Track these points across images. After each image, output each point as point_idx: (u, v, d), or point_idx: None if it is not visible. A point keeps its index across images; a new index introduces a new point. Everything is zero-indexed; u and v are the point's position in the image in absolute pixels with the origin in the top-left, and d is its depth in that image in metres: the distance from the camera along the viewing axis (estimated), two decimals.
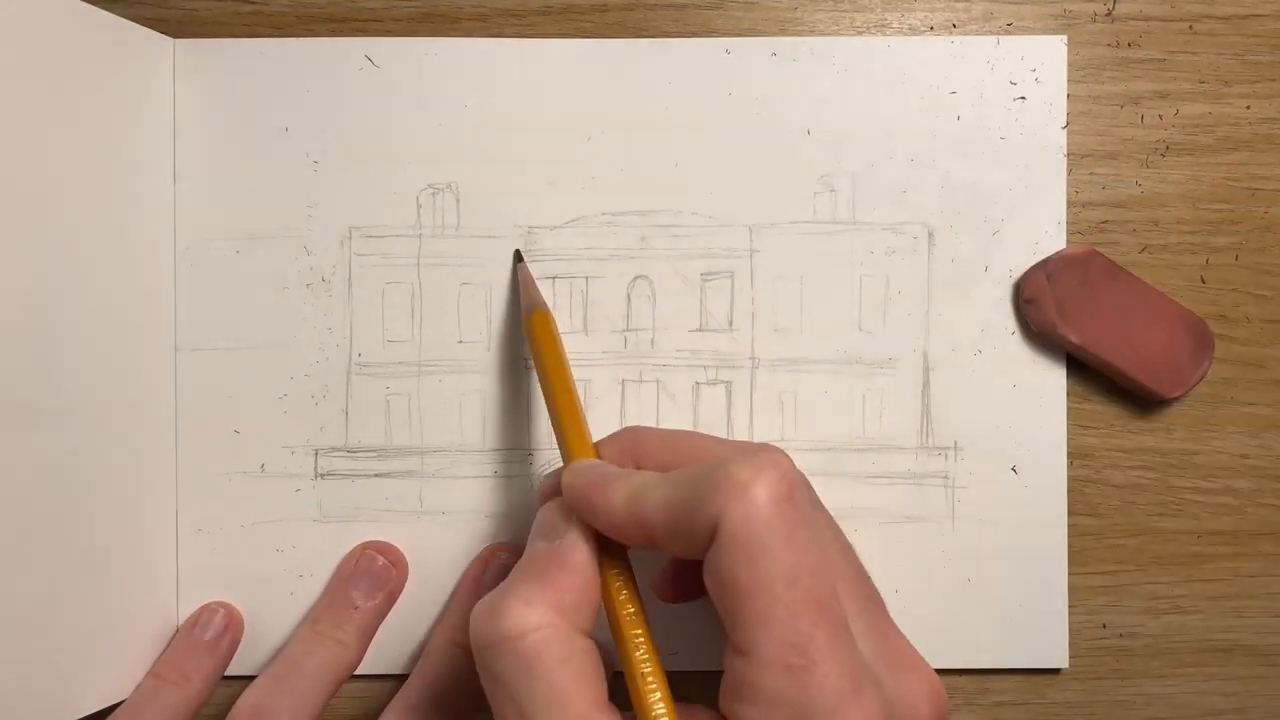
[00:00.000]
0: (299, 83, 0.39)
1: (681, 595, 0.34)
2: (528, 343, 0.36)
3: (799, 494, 0.27)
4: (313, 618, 0.38)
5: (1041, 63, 0.39)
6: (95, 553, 0.35)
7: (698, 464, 0.30)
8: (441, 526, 0.39)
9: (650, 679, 0.28)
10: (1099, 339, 0.38)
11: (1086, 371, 0.39)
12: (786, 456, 0.28)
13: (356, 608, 0.37)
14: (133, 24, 0.37)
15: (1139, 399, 0.39)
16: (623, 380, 0.39)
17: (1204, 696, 0.40)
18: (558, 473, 0.33)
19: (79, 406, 0.34)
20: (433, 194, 0.39)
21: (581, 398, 0.39)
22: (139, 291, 0.37)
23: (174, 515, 0.38)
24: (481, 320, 0.39)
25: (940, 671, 0.39)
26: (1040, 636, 0.39)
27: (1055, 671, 0.39)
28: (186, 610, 0.39)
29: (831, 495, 0.38)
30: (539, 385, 0.36)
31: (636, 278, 0.39)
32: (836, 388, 0.39)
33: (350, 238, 0.39)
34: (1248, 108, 0.39)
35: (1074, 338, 0.38)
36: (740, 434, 0.39)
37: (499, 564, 0.38)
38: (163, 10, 0.39)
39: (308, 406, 0.39)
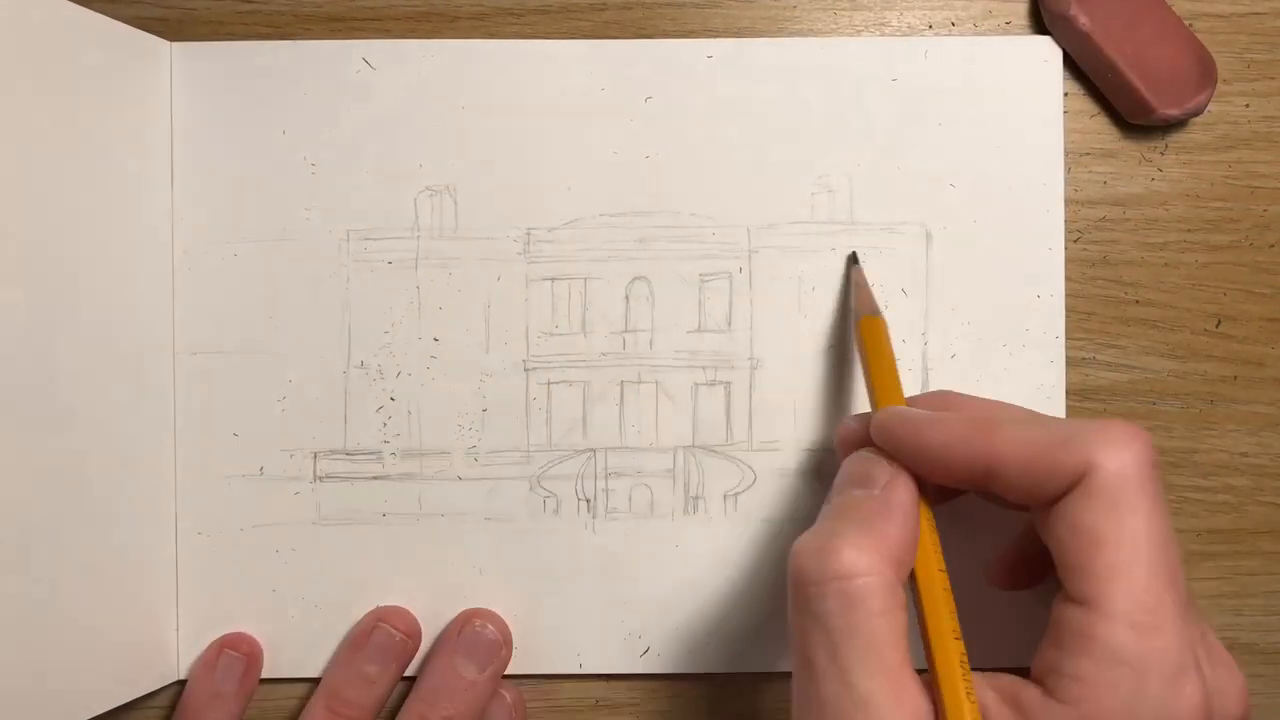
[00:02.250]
0: (296, 85, 0.39)
1: (1018, 583, 0.35)
2: (857, 345, 0.36)
3: (1160, 470, 0.28)
4: (328, 694, 0.37)
5: (1040, 61, 0.39)
6: (94, 555, 0.35)
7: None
8: (440, 529, 0.39)
9: (950, 646, 0.28)
10: (1107, 32, 0.37)
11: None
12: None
13: (372, 683, 0.37)
14: (129, 28, 0.37)
15: (1131, 125, 0.39)
16: (621, 381, 0.39)
17: None
18: (861, 418, 0.33)
19: (78, 410, 0.34)
20: (431, 196, 0.39)
21: (580, 399, 0.39)
22: (137, 295, 0.37)
23: (173, 518, 0.38)
24: (480, 322, 0.39)
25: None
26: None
27: None
28: (186, 613, 0.39)
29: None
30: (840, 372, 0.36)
31: (635, 279, 0.39)
32: (836, 387, 0.39)
33: (348, 240, 0.39)
34: (1247, 106, 0.39)
35: (1083, 21, 0.37)
36: (739, 435, 0.39)
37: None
38: (161, 10, 0.39)
39: (306, 409, 0.39)
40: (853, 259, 0.38)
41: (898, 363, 0.34)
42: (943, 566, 0.30)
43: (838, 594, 0.27)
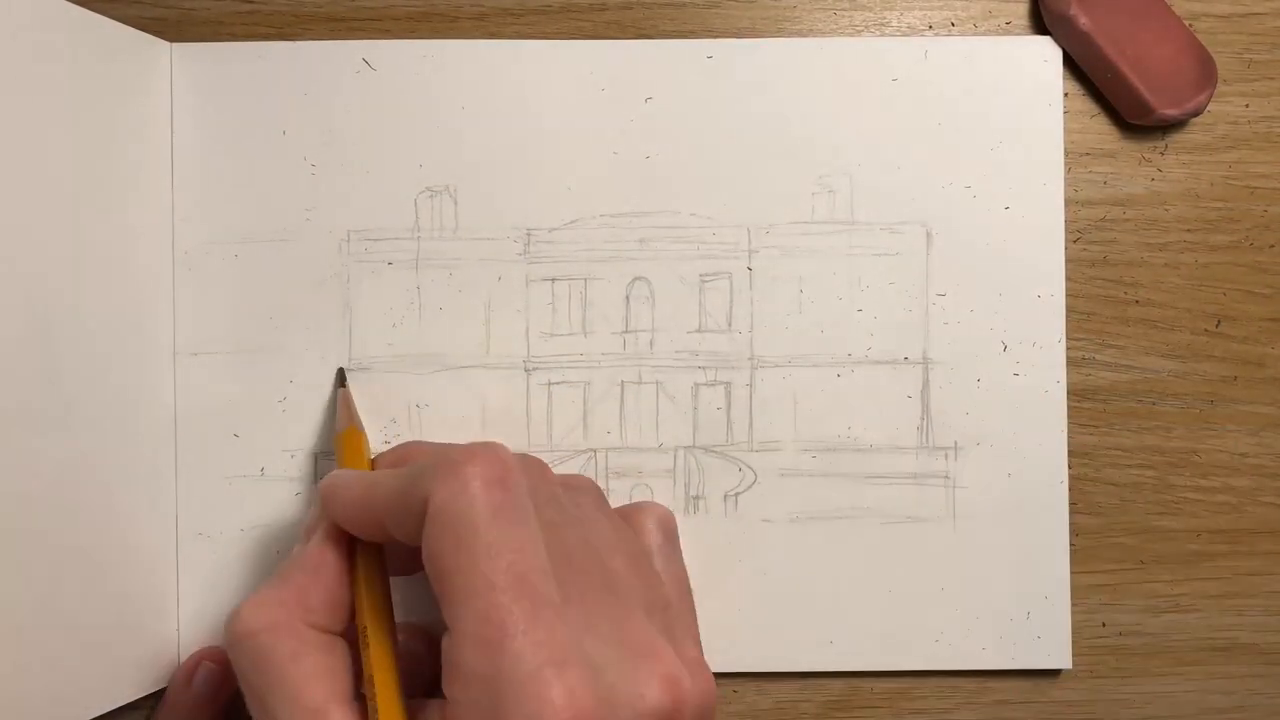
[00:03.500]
0: (296, 86, 0.39)
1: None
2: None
3: (513, 479, 0.28)
4: None
5: (1041, 61, 0.39)
6: (95, 557, 0.35)
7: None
8: None
9: (378, 677, 0.29)
10: (1107, 32, 0.37)
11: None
12: (508, 451, 0.29)
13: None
14: (129, 28, 0.37)
15: (1131, 125, 0.39)
16: (622, 382, 0.39)
17: (1204, 695, 0.40)
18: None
19: (78, 411, 0.34)
20: (431, 196, 0.39)
21: (581, 399, 0.39)
22: (137, 296, 0.37)
23: (174, 518, 0.38)
24: (480, 322, 0.39)
25: (941, 673, 0.39)
26: (1042, 637, 0.39)
27: (1056, 671, 0.39)
28: (187, 614, 0.39)
29: (832, 495, 0.38)
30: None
31: (635, 279, 0.39)
32: (836, 388, 0.39)
33: (348, 240, 0.39)
34: (1247, 106, 0.39)
35: (1084, 21, 0.37)
36: (740, 435, 0.39)
37: (206, 671, 0.38)
38: (161, 10, 0.39)
39: (307, 410, 0.39)
40: (340, 378, 0.39)
41: None
42: (381, 601, 0.31)
43: (246, 653, 0.29)
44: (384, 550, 0.32)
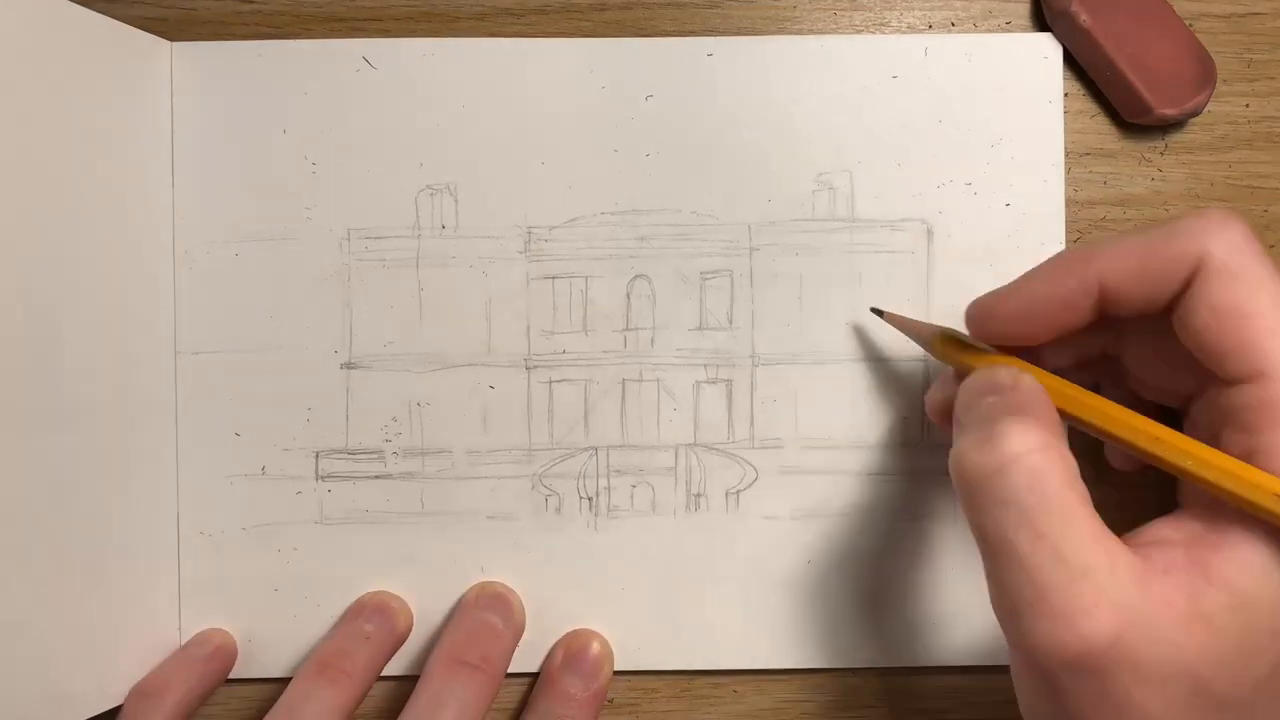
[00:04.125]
0: (296, 84, 0.39)
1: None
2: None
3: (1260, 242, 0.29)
4: (321, 653, 0.36)
5: (1041, 58, 0.39)
6: (96, 556, 0.35)
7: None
8: (443, 528, 0.39)
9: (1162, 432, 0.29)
10: (1108, 30, 0.37)
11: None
12: None
13: (369, 638, 0.37)
14: (129, 27, 0.37)
15: (1130, 125, 0.39)
16: (623, 380, 0.39)
17: None
18: (942, 382, 0.35)
19: (79, 410, 0.34)
20: (431, 195, 0.39)
21: (582, 397, 0.39)
22: (138, 295, 0.37)
23: (175, 518, 0.38)
24: (482, 320, 0.39)
25: (944, 670, 0.39)
26: None
27: None
28: (189, 613, 0.39)
29: (833, 493, 0.39)
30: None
31: (636, 277, 0.39)
32: (837, 385, 0.39)
33: (349, 239, 0.39)
34: (1247, 106, 0.39)
35: (1084, 18, 0.37)
36: (741, 433, 0.39)
37: (493, 591, 0.38)
38: (161, 10, 0.39)
39: (308, 409, 0.39)
40: (877, 312, 0.38)
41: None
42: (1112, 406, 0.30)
43: (1022, 472, 0.27)
44: None
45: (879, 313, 0.38)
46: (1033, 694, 0.28)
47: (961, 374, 0.33)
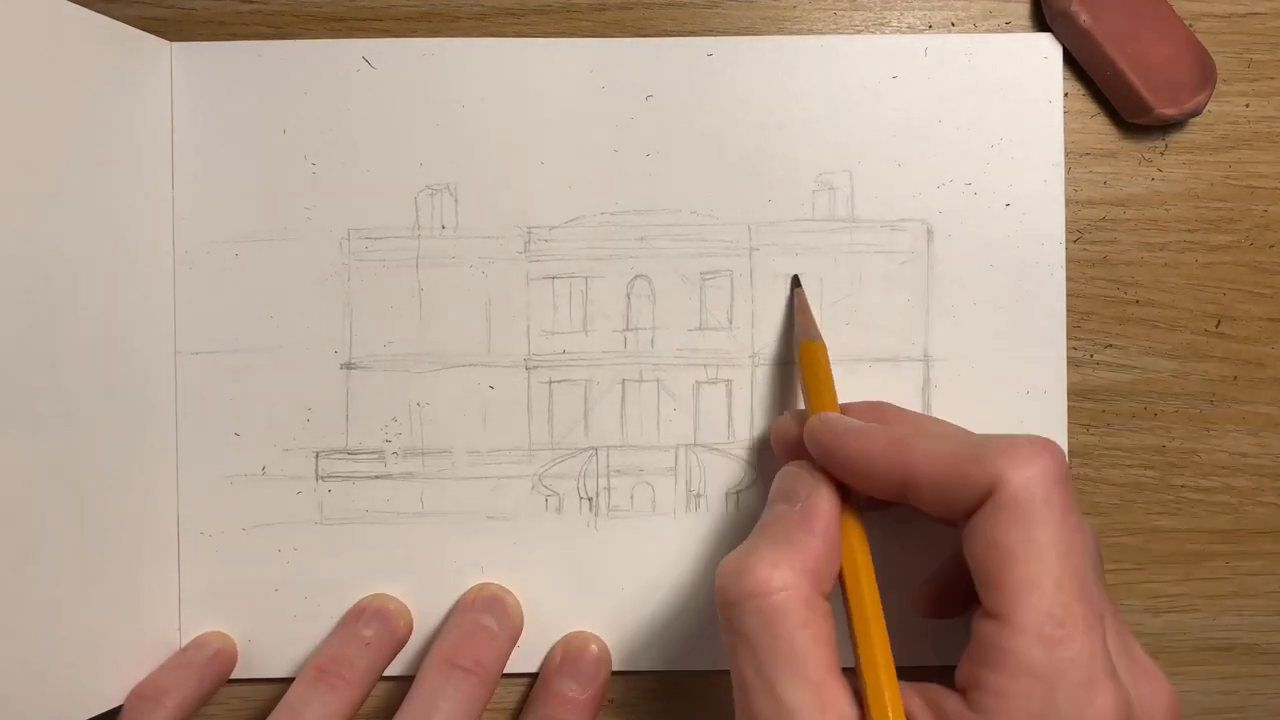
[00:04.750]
0: (296, 85, 0.39)
1: (940, 611, 0.35)
2: (797, 368, 0.36)
3: (1069, 483, 0.28)
4: (321, 657, 0.36)
5: (1041, 58, 0.39)
6: (96, 556, 0.35)
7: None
8: (442, 528, 0.39)
9: (877, 648, 0.29)
10: (1107, 30, 0.37)
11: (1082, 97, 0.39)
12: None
13: (368, 643, 0.37)
14: (129, 28, 0.37)
15: (1130, 125, 0.39)
16: (623, 380, 0.39)
17: (1204, 695, 0.40)
18: (793, 417, 0.34)
19: (80, 411, 0.34)
20: (431, 195, 0.39)
21: (582, 397, 0.39)
22: (138, 295, 0.37)
23: (175, 518, 0.38)
24: (481, 321, 0.39)
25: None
26: None
27: None
28: (188, 613, 0.38)
29: None
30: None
31: (636, 277, 0.39)
32: (838, 385, 0.39)
33: (349, 239, 0.39)
34: (1247, 106, 0.39)
35: (1084, 18, 0.37)
36: (741, 433, 0.39)
37: (490, 593, 0.38)
38: (161, 10, 0.39)
39: (308, 409, 0.39)
40: (795, 282, 0.39)
41: (835, 384, 0.35)
42: (870, 574, 0.30)
43: (756, 611, 0.28)
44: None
45: (796, 282, 0.38)
46: None
47: (804, 407, 0.35)
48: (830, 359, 0.36)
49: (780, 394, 0.39)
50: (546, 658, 0.38)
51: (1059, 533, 0.27)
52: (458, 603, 0.38)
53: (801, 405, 0.37)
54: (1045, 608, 0.26)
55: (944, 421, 0.35)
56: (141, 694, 0.36)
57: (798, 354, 0.36)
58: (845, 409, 0.35)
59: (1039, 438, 0.29)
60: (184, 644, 0.38)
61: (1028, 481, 0.27)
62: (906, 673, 0.29)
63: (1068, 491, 0.28)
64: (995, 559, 0.27)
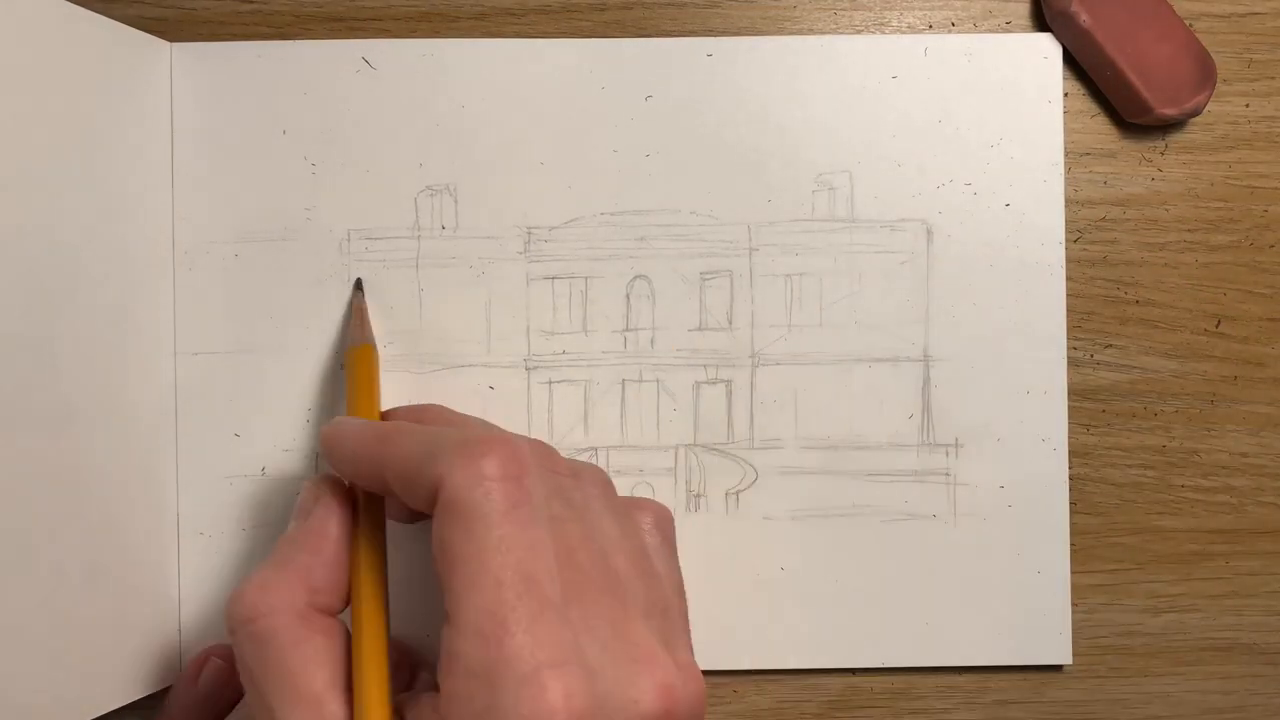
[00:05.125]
0: (296, 85, 0.39)
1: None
2: (345, 372, 0.36)
3: (528, 476, 0.28)
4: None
5: (1041, 58, 0.39)
6: (96, 556, 0.35)
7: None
8: None
9: (368, 663, 0.29)
10: (1107, 30, 0.37)
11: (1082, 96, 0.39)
12: (523, 441, 0.29)
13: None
14: (129, 28, 0.37)
15: (1131, 125, 0.39)
16: (623, 380, 0.39)
17: (1203, 695, 0.40)
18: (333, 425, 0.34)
19: (79, 411, 0.34)
20: (431, 195, 0.39)
21: (582, 398, 0.39)
22: (138, 295, 0.37)
23: (175, 518, 0.38)
24: (481, 321, 0.39)
25: (942, 669, 0.39)
26: (1043, 633, 0.39)
27: (1056, 669, 0.39)
28: (188, 613, 0.38)
29: (833, 493, 0.38)
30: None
31: (636, 277, 0.39)
32: (837, 385, 0.39)
33: (349, 239, 0.39)
34: (1247, 106, 0.39)
35: (1084, 18, 0.37)
36: (741, 433, 0.39)
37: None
38: (161, 10, 0.39)
39: (308, 409, 0.39)
40: (357, 285, 0.38)
41: (381, 389, 0.36)
42: (374, 587, 0.30)
43: (247, 638, 0.29)
44: (384, 516, 0.32)
45: (359, 285, 0.38)
46: None
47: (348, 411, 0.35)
48: (380, 365, 0.36)
49: (781, 394, 0.39)
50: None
51: (499, 530, 0.27)
52: None
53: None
54: (484, 605, 0.26)
55: (469, 420, 0.34)
56: None
57: (344, 359, 0.36)
58: (392, 413, 0.35)
59: (496, 435, 0.29)
60: (184, 641, 0.38)
61: (468, 483, 0.27)
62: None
63: (519, 488, 0.27)
64: (443, 561, 0.27)
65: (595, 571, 0.29)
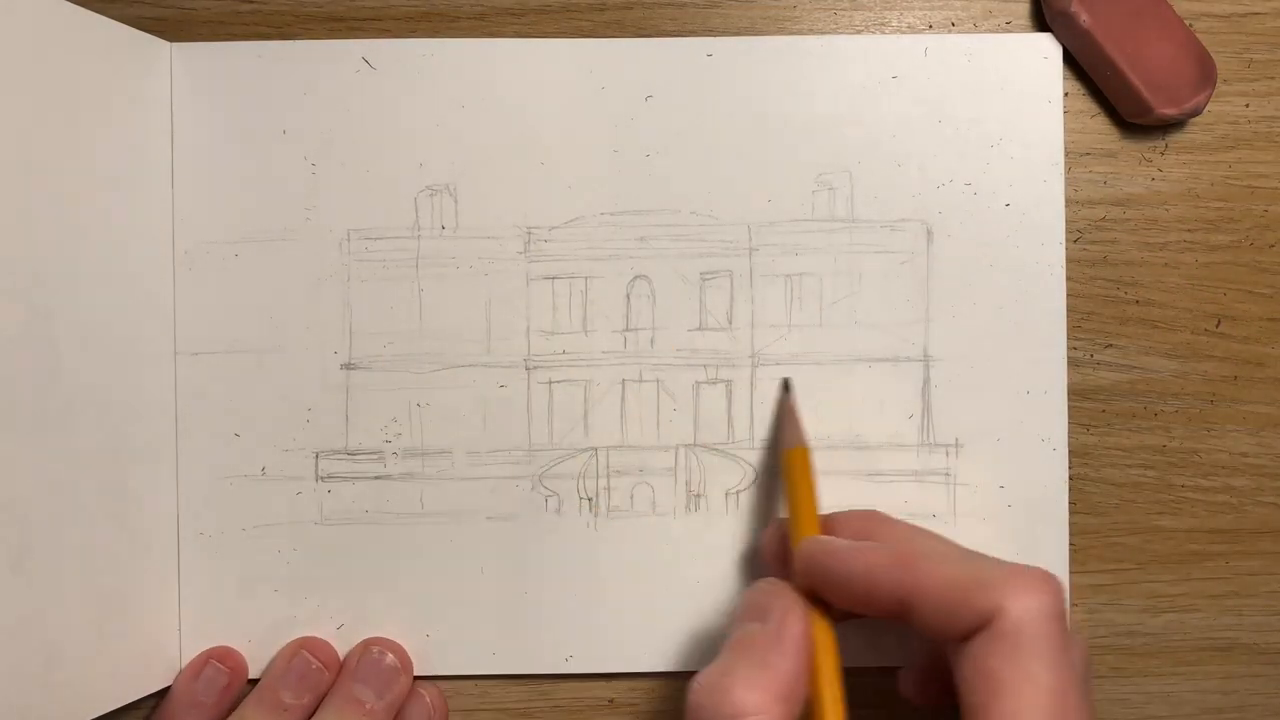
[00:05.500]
0: (296, 85, 0.39)
1: (928, 698, 0.35)
2: (783, 473, 0.37)
3: (1065, 617, 0.29)
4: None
5: (1041, 58, 0.39)
6: (95, 556, 0.35)
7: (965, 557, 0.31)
8: (443, 528, 0.39)
9: None
10: (1107, 30, 0.37)
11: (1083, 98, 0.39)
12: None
13: (286, 709, 0.37)
14: (129, 28, 0.37)
15: (1131, 125, 0.39)
16: (623, 380, 0.39)
17: (1203, 695, 0.40)
18: (778, 528, 0.35)
19: (79, 411, 0.34)
20: (431, 195, 0.39)
21: (582, 398, 0.39)
22: (138, 296, 0.37)
23: (175, 518, 0.38)
24: (481, 321, 0.39)
25: None
26: None
27: None
28: (188, 613, 0.39)
29: (833, 493, 0.38)
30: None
31: (636, 277, 0.39)
32: (837, 385, 0.39)
33: (349, 239, 0.39)
34: (1247, 106, 0.39)
35: (1084, 18, 0.37)
36: (741, 433, 0.39)
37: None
38: (161, 10, 0.39)
39: (308, 409, 0.39)
40: (785, 386, 0.39)
41: (817, 489, 0.36)
42: (838, 694, 0.31)
43: None
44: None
45: (787, 385, 0.39)
46: None
47: (788, 519, 0.35)
48: (812, 462, 0.36)
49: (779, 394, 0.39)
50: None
51: (1051, 669, 0.27)
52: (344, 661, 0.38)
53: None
54: None
55: (937, 536, 0.35)
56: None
57: (781, 460, 0.37)
58: (835, 519, 0.36)
59: (1040, 570, 0.29)
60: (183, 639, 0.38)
61: (1027, 613, 0.28)
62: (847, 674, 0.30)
63: (1064, 626, 0.28)
64: (986, 687, 0.27)
65: (1087, 705, 0.30)
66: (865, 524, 0.35)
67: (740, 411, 0.39)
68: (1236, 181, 0.39)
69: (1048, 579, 0.29)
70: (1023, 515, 0.39)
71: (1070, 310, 0.39)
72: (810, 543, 0.33)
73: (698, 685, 0.30)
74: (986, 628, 0.28)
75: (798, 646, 0.30)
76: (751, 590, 0.33)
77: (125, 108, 0.36)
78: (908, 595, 0.30)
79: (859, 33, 0.39)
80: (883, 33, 0.39)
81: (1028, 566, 0.29)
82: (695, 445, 0.39)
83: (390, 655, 0.38)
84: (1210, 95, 0.38)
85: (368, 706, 0.37)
